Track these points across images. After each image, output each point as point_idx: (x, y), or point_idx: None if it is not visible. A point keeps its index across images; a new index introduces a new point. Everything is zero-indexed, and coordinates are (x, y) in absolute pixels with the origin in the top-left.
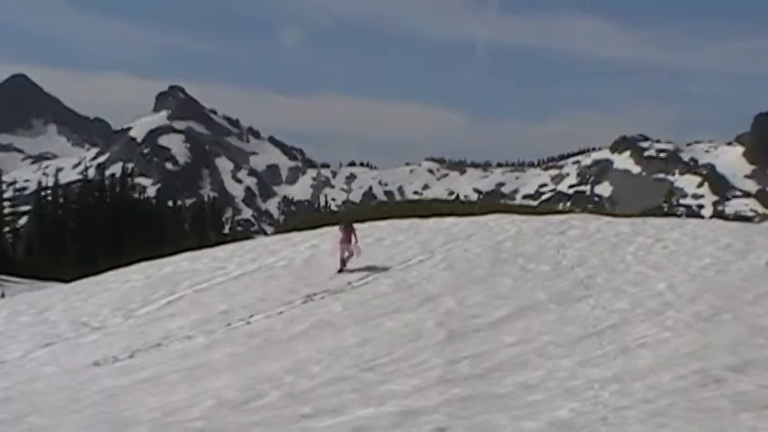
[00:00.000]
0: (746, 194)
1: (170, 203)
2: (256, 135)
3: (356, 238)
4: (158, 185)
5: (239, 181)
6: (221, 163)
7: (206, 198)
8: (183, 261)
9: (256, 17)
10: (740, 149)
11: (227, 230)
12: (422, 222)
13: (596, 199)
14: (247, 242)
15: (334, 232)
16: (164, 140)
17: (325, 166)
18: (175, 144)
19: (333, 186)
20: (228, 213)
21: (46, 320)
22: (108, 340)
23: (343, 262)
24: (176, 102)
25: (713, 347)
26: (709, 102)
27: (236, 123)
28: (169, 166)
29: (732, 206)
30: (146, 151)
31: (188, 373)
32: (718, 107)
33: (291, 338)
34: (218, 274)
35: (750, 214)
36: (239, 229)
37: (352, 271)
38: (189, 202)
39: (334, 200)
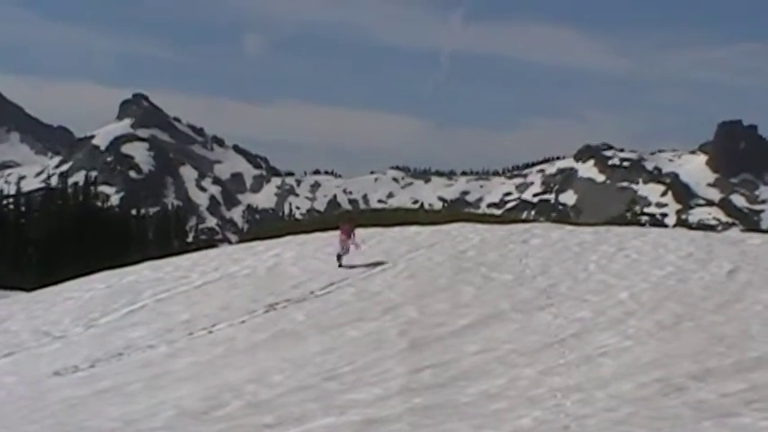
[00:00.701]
0: (710, 203)
1: (133, 212)
2: (221, 143)
3: (354, 234)
4: (122, 194)
5: (203, 189)
6: (185, 171)
7: (170, 206)
8: (145, 270)
9: (220, 25)
10: (703, 158)
11: (190, 239)
12: (385, 231)
13: (561, 207)
14: (210, 251)
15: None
16: (127, 149)
17: (290, 174)
18: (139, 152)
19: (297, 195)
20: (192, 222)
21: (7, 330)
22: (69, 350)
23: (339, 257)
24: (140, 110)
25: (675, 356)
26: (672, 111)
27: (200, 132)
28: (133, 174)
29: (695, 215)
30: (109, 159)
31: (149, 382)
32: (682, 116)
33: (254, 347)
34: (180, 282)
35: (713, 223)
36: (203, 237)
37: (350, 267)
38: (153, 210)
39: (298, 208)
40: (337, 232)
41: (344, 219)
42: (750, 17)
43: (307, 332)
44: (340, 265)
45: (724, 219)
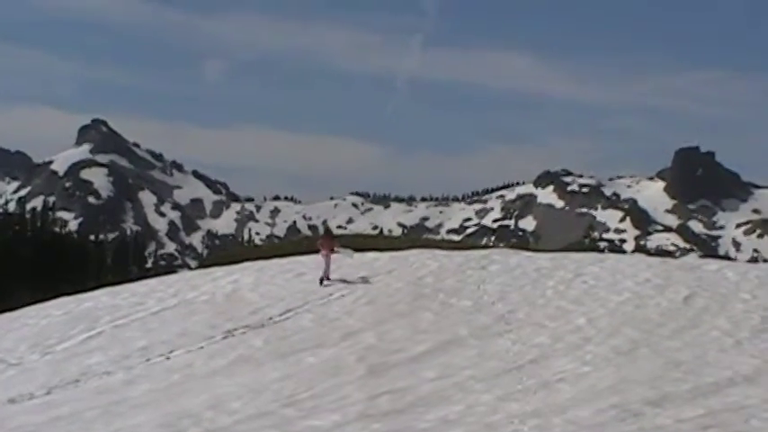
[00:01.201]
0: (668, 229)
1: (92, 238)
2: (180, 169)
3: (337, 246)
4: (80, 219)
5: (163, 215)
6: (144, 197)
7: (129, 232)
8: (103, 296)
9: (179, 51)
10: (661, 184)
11: (149, 265)
12: (342, 258)
13: (520, 233)
14: (169, 277)
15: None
16: (86, 174)
17: (250, 200)
18: (98, 178)
19: (257, 220)
20: (152, 247)
21: None
22: (25, 377)
23: (326, 273)
24: (99, 135)
25: (632, 382)
26: (631, 137)
27: (159, 157)
28: (91, 199)
29: (654, 240)
30: (68, 185)
31: (106, 409)
32: (640, 142)
33: (212, 374)
34: (138, 309)
35: (671, 249)
36: (162, 263)
37: (331, 282)
38: (111, 236)
39: (258, 234)
40: (315, 256)
41: (323, 232)
42: (707, 46)
43: (265, 358)
44: (321, 282)
45: (682, 244)
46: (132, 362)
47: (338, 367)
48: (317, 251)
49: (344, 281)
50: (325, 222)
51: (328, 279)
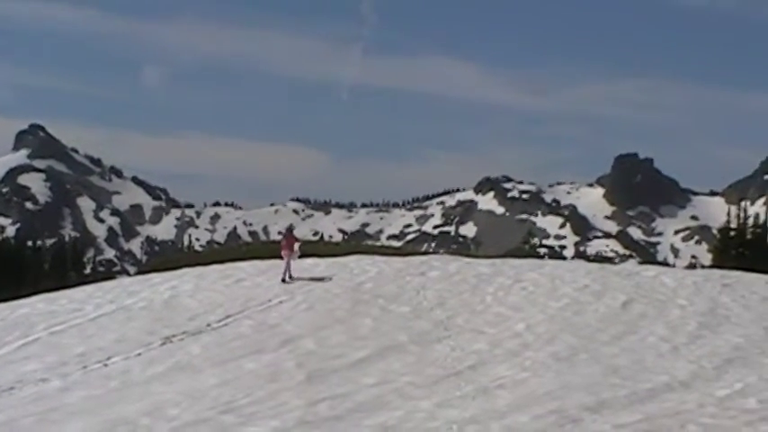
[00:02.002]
0: (607, 235)
1: (30, 244)
2: (119, 174)
3: (298, 243)
4: (18, 225)
5: (101, 221)
6: (83, 202)
7: (67, 238)
8: (39, 303)
9: (118, 56)
10: (601, 191)
11: (88, 271)
12: (282, 264)
13: (461, 239)
14: (106, 283)
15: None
16: (24, 179)
17: (190, 206)
18: (36, 183)
19: (197, 226)
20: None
21: None
22: None
23: (289, 272)
24: (37, 140)
25: (570, 388)
26: (570, 144)
27: (98, 162)
28: (29, 205)
29: (593, 247)
30: (5, 191)
31: (42, 416)
32: (579, 149)
33: (149, 380)
34: (75, 315)
35: (611, 255)
36: (101, 269)
37: (293, 281)
38: (49, 242)
39: (198, 240)
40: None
41: (285, 229)
42: (645, 53)
43: (203, 365)
44: (283, 280)
45: (621, 251)
46: (69, 369)
47: (277, 373)
48: (256, 257)
49: (310, 279)
50: (290, 225)
51: (291, 278)
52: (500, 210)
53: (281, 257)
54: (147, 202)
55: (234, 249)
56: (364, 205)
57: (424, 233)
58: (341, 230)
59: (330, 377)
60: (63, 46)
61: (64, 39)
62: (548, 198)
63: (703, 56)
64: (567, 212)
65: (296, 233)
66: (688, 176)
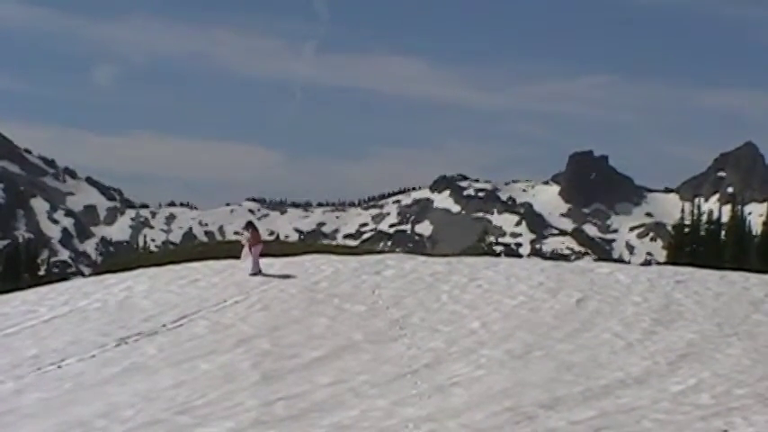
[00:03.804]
0: (563, 233)
1: None
2: (73, 175)
3: (259, 235)
4: None
5: (56, 222)
6: (37, 203)
7: (21, 239)
8: None
9: (70, 55)
10: (556, 189)
11: (42, 272)
12: (238, 263)
13: (417, 238)
14: (60, 284)
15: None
16: None
17: (144, 206)
18: None
19: (152, 227)
20: (45, 255)
21: None
22: None
23: (257, 267)
24: None
25: (525, 385)
26: (525, 142)
27: (51, 163)
28: None
29: (549, 244)
30: None
31: None
32: (535, 147)
33: (104, 382)
34: (28, 317)
35: (566, 252)
36: (56, 270)
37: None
38: (2, 243)
39: (153, 240)
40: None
41: (250, 229)
42: (597, 51)
43: (158, 366)
44: (256, 275)
45: (577, 248)
46: (23, 371)
47: (232, 374)
48: (212, 258)
49: (279, 276)
50: (250, 221)
51: (260, 272)
52: (456, 208)
53: (238, 257)
54: (102, 203)
55: (189, 250)
56: (320, 204)
57: (380, 232)
58: (297, 230)
59: (286, 377)
60: (13, 45)
61: (14, 37)
62: (503, 196)
63: (657, 54)
64: (522, 210)
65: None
66: (642, 174)
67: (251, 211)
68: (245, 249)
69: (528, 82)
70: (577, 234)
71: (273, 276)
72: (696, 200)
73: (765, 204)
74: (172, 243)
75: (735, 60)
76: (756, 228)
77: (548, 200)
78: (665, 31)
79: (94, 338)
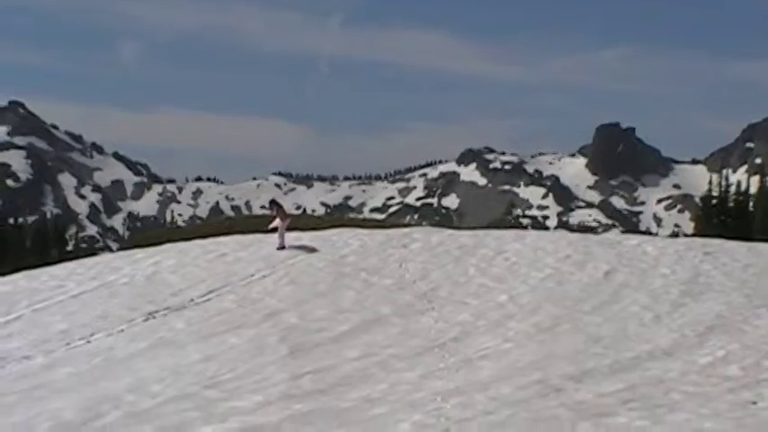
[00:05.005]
0: (590, 205)
1: (11, 221)
2: (100, 150)
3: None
4: None
5: (83, 197)
6: (64, 179)
7: (49, 215)
8: (21, 280)
9: (95, 31)
10: (583, 161)
11: (70, 248)
12: (265, 238)
13: (443, 211)
14: (88, 259)
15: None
16: (4, 157)
17: (171, 181)
18: (16, 160)
19: (179, 202)
20: (72, 230)
21: None
22: None
23: (284, 241)
24: (17, 117)
25: (553, 357)
26: (551, 115)
27: (78, 139)
28: (10, 182)
29: (576, 217)
30: None
31: (27, 394)
32: (561, 120)
33: (133, 357)
34: (57, 292)
35: (593, 224)
36: (83, 246)
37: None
38: (31, 219)
39: (180, 215)
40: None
41: (277, 206)
42: (624, 22)
43: (186, 340)
44: (282, 248)
45: (604, 220)
46: (52, 346)
47: (260, 348)
48: (239, 232)
49: (306, 249)
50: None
51: (286, 246)
52: (482, 181)
53: (269, 231)
54: (129, 178)
55: (216, 224)
56: (347, 178)
57: (407, 205)
58: (323, 204)
59: (313, 351)
60: (41, 22)
61: (42, 14)
62: (530, 169)
63: (684, 24)
64: (549, 183)
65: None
66: (670, 145)
67: (277, 185)
68: (280, 229)
69: (554, 54)
70: (604, 206)
71: (301, 250)
72: (724, 171)
73: None
74: (199, 218)
75: (763, 29)
76: None
77: (574, 172)
78: (691, 1)
79: (123, 313)
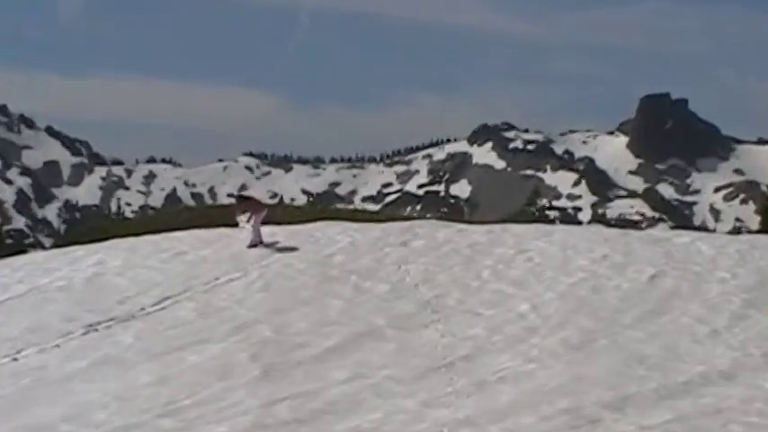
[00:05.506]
0: (632, 194)
1: None
2: (29, 124)
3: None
4: None
5: (9, 182)
6: None
7: None
8: None
9: None
10: (623, 140)
11: None
12: (233, 233)
13: (452, 201)
14: (16, 258)
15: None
16: None
17: (118, 163)
18: None
19: (127, 188)
20: None
21: None
22: None
23: (259, 237)
24: None
25: (586, 381)
26: (584, 83)
27: (3, 110)
28: None
29: (615, 208)
30: None
31: None
32: (596, 89)
33: (70, 378)
34: None
35: (636, 218)
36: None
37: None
38: None
39: (129, 204)
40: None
41: (247, 199)
42: None
43: (135, 358)
44: (255, 245)
45: (649, 213)
46: None
47: (227, 368)
48: (201, 226)
49: (284, 248)
50: (243, 185)
51: (260, 243)
52: (500, 164)
53: (233, 225)
54: (66, 159)
55: (173, 216)
56: (334, 160)
57: (408, 194)
58: (305, 191)
59: (292, 372)
60: None
61: None
62: (558, 149)
63: None
64: (582, 167)
65: (252, 193)
66: (731, 122)
67: (248, 168)
68: (253, 222)
69: (585, 6)
70: (650, 196)
71: (277, 248)
72: None
73: None
74: (152, 207)
75: None
76: None
77: (613, 153)
78: None
79: (58, 325)
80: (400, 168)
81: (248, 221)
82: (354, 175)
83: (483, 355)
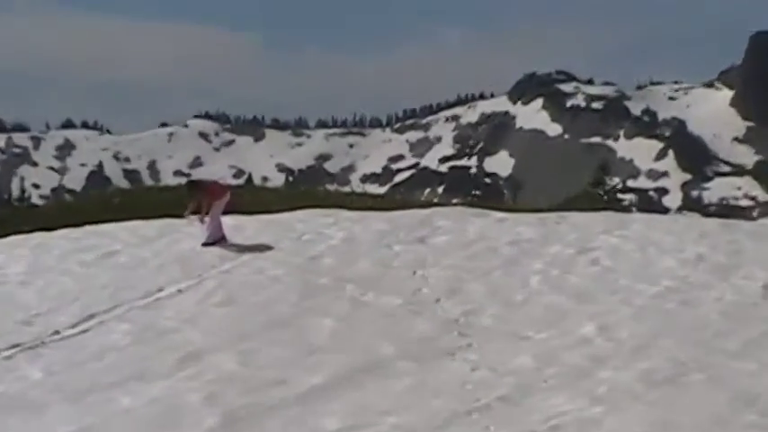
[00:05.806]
0: (737, 170)
1: None
2: None
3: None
4: None
5: None
6: None
7: None
8: None
9: None
10: (727, 94)
11: None
12: (182, 225)
13: (488, 180)
14: None
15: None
16: None
17: (23, 129)
18: None
19: (35, 164)
20: None
21: None
22: None
23: (221, 233)
24: None
25: (676, 428)
26: (671, 16)
27: None
28: None
29: (714, 189)
30: None
31: None
32: (687, 27)
33: None
34: None
35: (744, 204)
36: None
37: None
38: None
39: (36, 187)
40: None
41: (206, 183)
42: None
43: (47, 399)
44: (213, 243)
45: (762, 196)
46: None
47: (173, 414)
48: (138, 217)
49: (252, 246)
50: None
51: (222, 239)
52: (554, 129)
53: (182, 216)
54: None
55: (99, 201)
56: (322, 124)
57: (425, 170)
58: (281, 167)
59: (263, 420)
60: None
61: None
62: (635, 109)
63: None
64: (668, 133)
65: (208, 169)
66: None
67: (203, 135)
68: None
69: None
70: (763, 172)
71: (243, 247)
72: None
73: None
74: (69, 190)
75: None
76: None
77: (712, 114)
78: None
79: None
80: (415, 135)
81: (203, 216)
82: (351, 145)
83: (531, 394)
